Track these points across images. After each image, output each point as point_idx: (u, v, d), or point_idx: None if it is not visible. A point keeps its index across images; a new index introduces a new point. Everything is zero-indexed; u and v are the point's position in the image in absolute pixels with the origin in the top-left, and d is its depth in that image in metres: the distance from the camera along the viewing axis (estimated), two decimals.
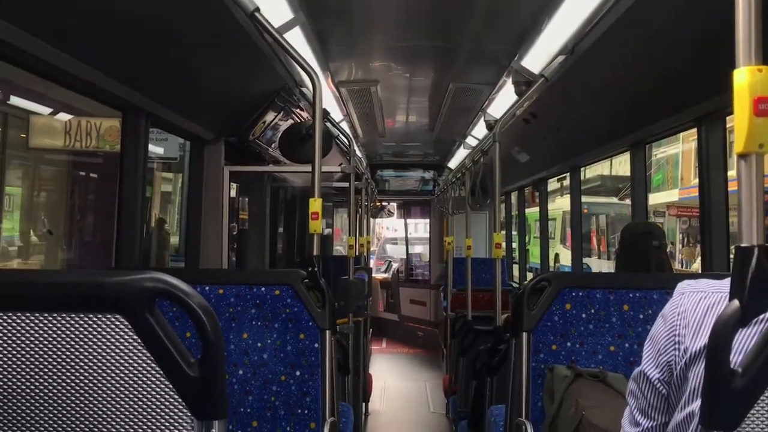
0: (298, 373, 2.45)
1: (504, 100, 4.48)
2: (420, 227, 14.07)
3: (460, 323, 5.60)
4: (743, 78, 0.97)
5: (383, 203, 11.31)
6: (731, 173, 3.00)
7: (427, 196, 10.19)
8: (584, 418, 2.18)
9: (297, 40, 3.20)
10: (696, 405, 1.17)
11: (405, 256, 12.15)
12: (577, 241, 5.28)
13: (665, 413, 1.30)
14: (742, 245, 0.98)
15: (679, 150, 14.42)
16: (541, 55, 3.35)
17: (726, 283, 1.04)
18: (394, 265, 12.77)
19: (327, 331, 2.45)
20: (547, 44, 3.20)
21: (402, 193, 10.32)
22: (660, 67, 2.83)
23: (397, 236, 16.03)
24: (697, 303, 1.21)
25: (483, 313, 5.40)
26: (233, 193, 5.28)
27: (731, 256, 2.98)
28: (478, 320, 5.18)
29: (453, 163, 8.45)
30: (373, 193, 8.75)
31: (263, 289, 2.47)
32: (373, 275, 10.22)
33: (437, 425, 6.26)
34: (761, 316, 1.01)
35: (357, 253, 5.63)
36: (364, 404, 5.83)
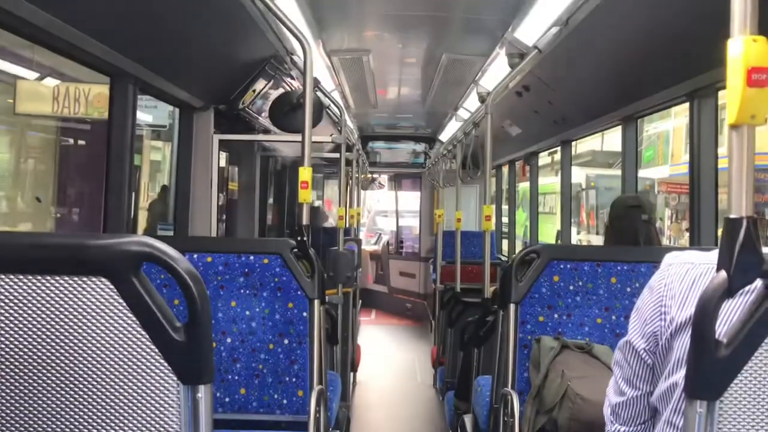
0: (286, 341, 2.46)
1: (497, 72, 4.45)
2: (411, 200, 14.04)
3: (449, 295, 5.63)
4: (738, 48, 0.96)
5: (374, 175, 11.29)
6: (721, 150, 3.01)
7: (418, 168, 10.17)
8: (569, 389, 2.20)
9: (288, 6, 3.16)
10: (679, 375, 1.19)
11: (395, 229, 12.17)
12: (567, 214, 5.30)
13: (650, 383, 1.31)
14: (731, 216, 0.98)
15: (671, 126, 14.38)
16: (534, 26, 3.32)
17: (713, 255, 1.04)
18: (384, 238, 12.79)
19: (316, 301, 2.46)
20: (541, 15, 3.17)
21: (393, 165, 10.29)
22: (654, 40, 2.81)
23: (388, 209, 16.00)
24: (684, 274, 1.22)
25: (471, 285, 5.42)
26: (222, 163, 5.24)
27: (719, 231, 2.99)
28: (467, 292, 5.21)
29: (444, 136, 8.42)
30: (364, 165, 8.72)
31: (252, 257, 2.46)
32: (363, 247, 10.23)
33: (424, 395, 6.32)
34: (747, 288, 1.02)
35: (347, 225, 5.63)
36: (352, 374, 5.88)
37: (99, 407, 1.03)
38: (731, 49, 0.96)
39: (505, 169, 8.14)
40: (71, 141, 6.04)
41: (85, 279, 1.01)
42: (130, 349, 1.02)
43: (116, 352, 1.03)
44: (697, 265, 1.21)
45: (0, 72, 4.76)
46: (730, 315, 1.08)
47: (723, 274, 0.98)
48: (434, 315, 7.36)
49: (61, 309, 1.02)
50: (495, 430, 2.59)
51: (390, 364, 7.54)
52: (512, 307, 2.50)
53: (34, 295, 1.01)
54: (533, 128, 5.38)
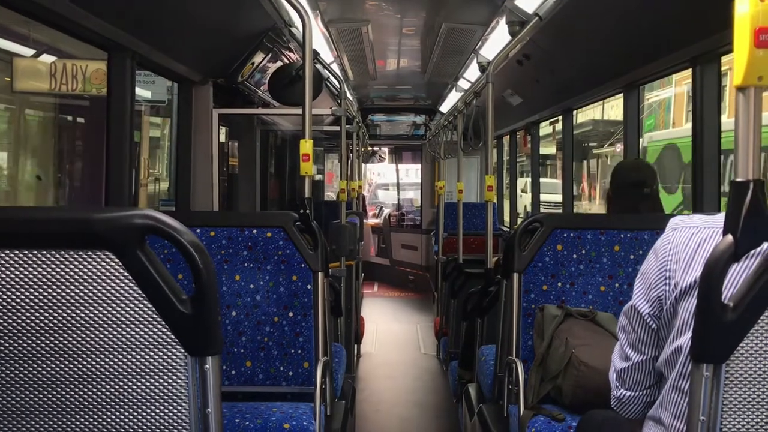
0: (291, 314, 2.46)
1: (497, 41, 4.40)
2: (411, 172, 14.03)
3: (451, 266, 5.64)
4: (745, 8, 0.94)
5: (374, 148, 11.25)
6: (723, 117, 2.98)
7: (418, 140, 10.13)
8: (573, 356, 2.21)
9: None
10: (684, 339, 1.19)
11: (396, 202, 12.17)
12: (568, 182, 5.28)
13: (655, 347, 1.32)
14: (738, 180, 0.97)
15: (672, 94, 14.28)
16: None
17: (718, 219, 1.04)
18: (386, 211, 12.80)
19: (320, 273, 2.46)
20: None
21: (393, 137, 10.25)
22: (656, 5, 2.78)
23: (389, 182, 15.99)
24: (689, 238, 1.22)
25: (473, 256, 5.44)
26: (223, 138, 5.22)
27: (722, 198, 2.98)
28: (469, 263, 5.22)
29: (445, 107, 8.37)
30: (365, 138, 8.69)
31: (255, 231, 2.46)
32: (365, 220, 10.23)
33: (428, 366, 6.37)
34: (753, 251, 1.02)
35: (349, 198, 5.62)
36: (356, 346, 5.92)
37: (107, 381, 1.04)
38: (738, 10, 0.95)
39: (506, 141, 8.11)
40: (70, 118, 6.01)
41: (90, 253, 1.01)
42: (136, 323, 1.03)
43: (123, 326, 1.03)
44: (701, 229, 1.21)
45: None
46: (736, 278, 1.08)
47: (729, 237, 0.97)
48: (437, 286, 7.39)
49: (67, 284, 1.02)
50: (499, 398, 2.61)
51: (393, 335, 7.59)
52: (516, 276, 2.50)
53: (39, 270, 1.01)
54: (534, 97, 5.35)
